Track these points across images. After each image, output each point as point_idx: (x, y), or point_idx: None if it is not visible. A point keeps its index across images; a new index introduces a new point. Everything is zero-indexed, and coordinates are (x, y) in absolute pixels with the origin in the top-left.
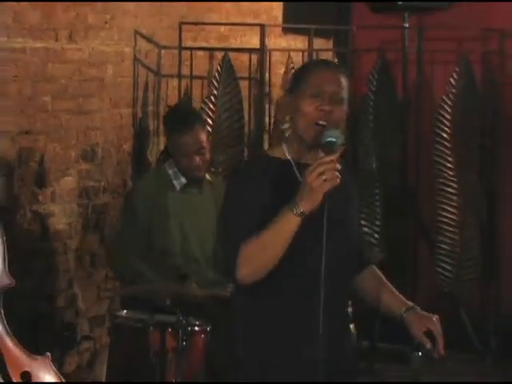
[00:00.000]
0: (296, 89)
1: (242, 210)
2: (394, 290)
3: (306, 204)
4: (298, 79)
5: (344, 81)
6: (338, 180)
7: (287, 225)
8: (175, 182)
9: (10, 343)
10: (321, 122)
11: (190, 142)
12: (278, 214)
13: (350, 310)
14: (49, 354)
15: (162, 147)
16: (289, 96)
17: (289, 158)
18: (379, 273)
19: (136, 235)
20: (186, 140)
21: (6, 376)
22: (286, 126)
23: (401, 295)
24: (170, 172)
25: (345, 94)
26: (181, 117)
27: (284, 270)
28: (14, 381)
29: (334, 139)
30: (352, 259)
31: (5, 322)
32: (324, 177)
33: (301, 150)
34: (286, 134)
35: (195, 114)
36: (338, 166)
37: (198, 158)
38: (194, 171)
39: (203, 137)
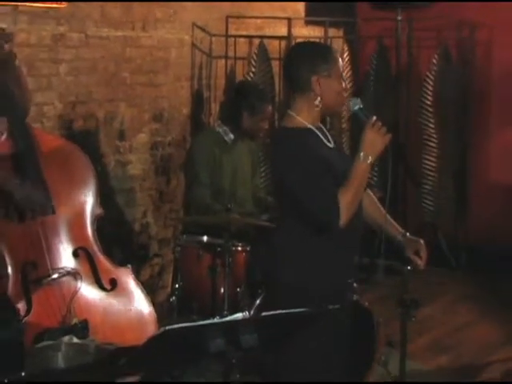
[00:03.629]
0: (327, 71)
1: (315, 175)
2: (389, 217)
3: (375, 154)
4: (325, 63)
5: None
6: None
7: (366, 173)
8: (226, 138)
9: (102, 257)
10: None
11: (269, 111)
12: (353, 168)
13: None
14: (130, 265)
15: (213, 112)
16: (320, 77)
17: (310, 126)
18: (375, 198)
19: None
20: (267, 109)
21: (99, 281)
22: (319, 102)
23: (395, 222)
24: (220, 130)
25: None
26: (263, 92)
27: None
28: (106, 285)
29: (361, 105)
30: None
31: (98, 242)
32: (382, 132)
33: (315, 118)
34: (317, 108)
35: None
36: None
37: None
38: (261, 132)
39: None
